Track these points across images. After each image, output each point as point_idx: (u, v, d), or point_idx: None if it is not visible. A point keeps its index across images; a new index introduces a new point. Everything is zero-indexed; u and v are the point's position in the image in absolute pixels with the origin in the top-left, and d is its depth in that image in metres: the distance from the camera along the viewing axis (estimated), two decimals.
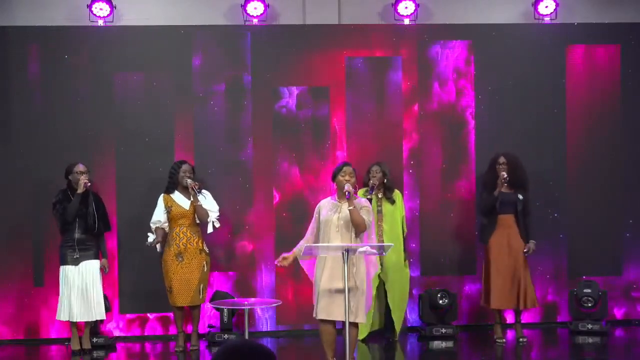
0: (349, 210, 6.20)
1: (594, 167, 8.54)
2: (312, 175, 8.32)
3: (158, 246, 7.51)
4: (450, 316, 8.14)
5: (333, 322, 6.29)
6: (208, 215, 7.58)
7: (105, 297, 7.73)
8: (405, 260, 7.95)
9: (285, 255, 6.35)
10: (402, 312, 8.01)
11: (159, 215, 7.58)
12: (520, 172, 7.78)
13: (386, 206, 7.83)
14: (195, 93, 8.26)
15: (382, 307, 8.04)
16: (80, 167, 7.48)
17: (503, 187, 7.66)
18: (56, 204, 7.45)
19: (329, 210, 6.32)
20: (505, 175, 7.60)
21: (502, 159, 7.74)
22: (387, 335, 8.03)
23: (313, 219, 6.44)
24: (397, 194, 7.97)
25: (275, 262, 6.46)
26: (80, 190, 7.34)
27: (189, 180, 7.50)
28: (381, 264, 7.76)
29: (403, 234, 7.96)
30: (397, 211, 7.89)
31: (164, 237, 7.58)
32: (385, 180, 7.85)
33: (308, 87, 8.35)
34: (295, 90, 8.34)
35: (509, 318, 8.12)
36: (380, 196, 7.86)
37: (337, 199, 6.37)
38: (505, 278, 7.63)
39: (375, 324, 8.09)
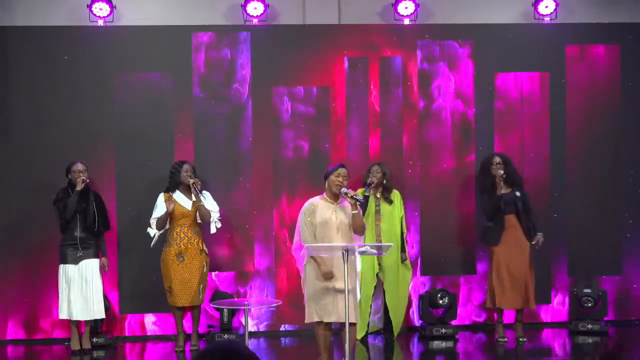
0: (353, 214, 6.19)
1: (594, 167, 8.54)
2: (312, 173, 8.30)
3: (154, 232, 7.56)
4: (450, 316, 8.15)
5: (329, 324, 6.28)
6: (210, 215, 7.59)
7: (105, 297, 7.73)
8: (404, 261, 7.94)
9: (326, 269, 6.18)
10: (401, 313, 8.00)
11: (162, 212, 7.57)
12: (514, 170, 7.83)
13: (384, 206, 7.84)
14: (195, 93, 8.27)
15: (381, 307, 8.04)
16: (79, 166, 7.51)
17: (502, 186, 7.69)
18: (56, 201, 7.47)
19: (326, 212, 6.24)
20: (502, 173, 7.63)
21: (497, 159, 7.78)
22: (386, 335, 8.03)
23: (305, 221, 6.23)
24: (395, 194, 7.97)
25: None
26: (79, 187, 7.37)
27: (191, 180, 7.50)
28: (379, 264, 7.77)
29: (403, 234, 7.96)
30: (395, 211, 7.89)
31: (164, 225, 7.59)
32: (385, 180, 7.85)
33: (308, 87, 8.35)
34: (295, 90, 8.34)
35: (510, 318, 8.11)
36: (378, 196, 7.87)
37: (329, 199, 6.29)
38: (513, 279, 7.64)
39: (375, 324, 8.10)
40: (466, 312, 8.42)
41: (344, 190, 6.16)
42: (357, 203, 6.17)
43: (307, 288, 6.27)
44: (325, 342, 6.28)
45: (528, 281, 7.67)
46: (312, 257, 6.21)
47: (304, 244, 6.16)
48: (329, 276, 6.11)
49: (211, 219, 7.60)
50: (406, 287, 7.99)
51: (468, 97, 8.46)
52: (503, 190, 7.71)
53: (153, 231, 7.61)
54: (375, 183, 7.75)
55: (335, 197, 6.27)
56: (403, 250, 7.91)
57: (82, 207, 7.44)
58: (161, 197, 7.63)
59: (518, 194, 7.73)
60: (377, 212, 7.79)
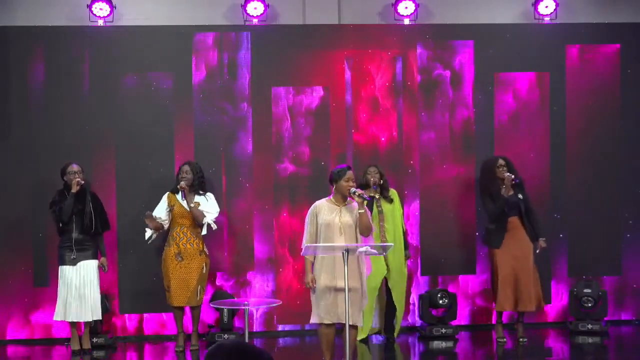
0: (360, 213, 6.17)
1: (594, 167, 8.54)
2: (313, 172, 8.31)
3: (150, 233, 7.57)
4: (450, 316, 8.15)
5: (333, 324, 6.26)
6: (204, 217, 7.57)
7: (105, 297, 7.73)
8: (408, 258, 7.94)
9: (311, 277, 6.24)
10: (402, 311, 7.99)
11: (160, 212, 7.60)
12: (516, 173, 7.79)
13: (385, 205, 7.82)
14: (195, 92, 8.27)
15: (382, 307, 8.03)
16: (74, 167, 7.46)
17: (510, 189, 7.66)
18: (52, 204, 7.45)
19: (329, 214, 6.25)
20: (513, 176, 7.58)
21: (501, 161, 7.74)
22: (387, 335, 8.03)
23: (308, 221, 6.30)
24: (393, 192, 7.96)
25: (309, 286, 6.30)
26: (74, 190, 7.34)
27: (181, 182, 7.53)
28: (387, 264, 7.74)
29: (404, 232, 7.96)
30: (396, 210, 7.89)
31: (159, 229, 7.59)
32: (382, 180, 7.85)
33: (308, 87, 8.35)
34: (295, 90, 8.34)
35: (509, 318, 8.11)
36: (378, 197, 7.84)
37: (335, 202, 6.30)
38: (516, 281, 7.62)
39: (375, 324, 8.09)
40: (466, 312, 8.42)
41: (352, 190, 6.17)
42: (365, 202, 6.19)
43: (315, 286, 6.27)
44: (327, 342, 6.27)
45: (533, 282, 7.64)
46: (310, 259, 6.23)
47: (305, 244, 6.17)
48: (309, 285, 6.24)
49: (204, 220, 7.58)
50: (405, 286, 7.98)
51: (468, 97, 8.46)
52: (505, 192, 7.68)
53: (148, 233, 7.64)
54: (377, 183, 7.75)
55: (343, 199, 6.27)
56: (406, 247, 7.91)
57: (79, 208, 7.42)
58: (165, 197, 7.68)
59: (521, 196, 7.70)
60: (380, 212, 7.77)
